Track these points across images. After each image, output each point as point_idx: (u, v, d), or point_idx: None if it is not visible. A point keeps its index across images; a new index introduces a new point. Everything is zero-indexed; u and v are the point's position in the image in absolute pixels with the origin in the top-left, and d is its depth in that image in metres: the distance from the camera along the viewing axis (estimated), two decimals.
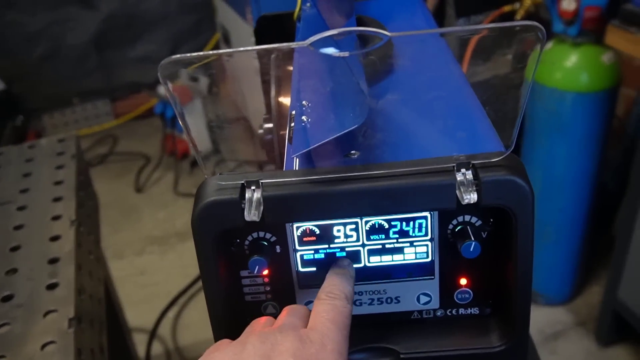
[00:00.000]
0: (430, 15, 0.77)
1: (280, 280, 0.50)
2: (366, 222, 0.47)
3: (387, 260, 0.49)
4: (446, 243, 0.48)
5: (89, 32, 2.96)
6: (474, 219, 0.46)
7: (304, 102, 0.50)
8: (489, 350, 0.49)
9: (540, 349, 1.65)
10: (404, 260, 0.49)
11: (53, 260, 0.80)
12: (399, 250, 0.48)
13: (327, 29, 0.40)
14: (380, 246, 0.48)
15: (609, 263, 1.57)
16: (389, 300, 0.51)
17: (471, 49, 0.58)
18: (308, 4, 0.68)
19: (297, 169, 0.47)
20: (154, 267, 2.18)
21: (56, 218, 0.89)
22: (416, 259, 0.49)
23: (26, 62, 2.91)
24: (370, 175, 0.43)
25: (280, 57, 0.62)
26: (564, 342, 1.70)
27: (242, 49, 0.41)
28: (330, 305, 0.43)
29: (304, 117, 0.48)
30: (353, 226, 0.47)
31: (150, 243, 2.31)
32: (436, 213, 0.46)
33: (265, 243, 0.48)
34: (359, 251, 0.48)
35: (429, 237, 0.47)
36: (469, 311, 0.51)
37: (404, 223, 0.47)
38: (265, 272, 0.49)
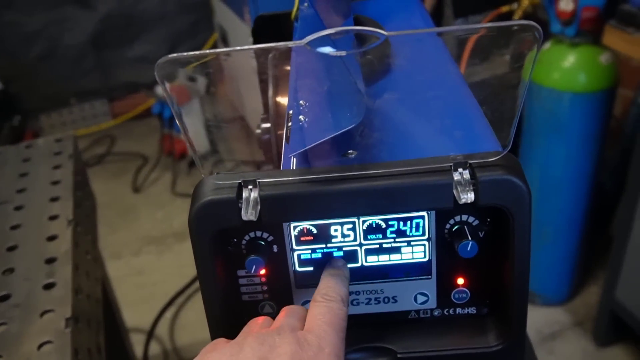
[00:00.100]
0: (428, 16, 0.77)
1: (278, 279, 0.50)
2: (363, 222, 0.47)
3: (384, 259, 0.49)
4: (443, 243, 0.48)
5: (87, 32, 2.95)
6: (471, 219, 0.46)
7: (301, 102, 0.50)
8: (486, 350, 0.49)
9: (538, 349, 1.66)
10: (401, 259, 0.49)
11: (50, 260, 0.80)
12: (396, 250, 0.48)
13: (325, 28, 0.40)
14: (377, 246, 0.48)
15: (607, 263, 1.57)
16: (386, 300, 0.51)
17: (469, 49, 0.59)
18: (305, 4, 0.68)
19: (294, 168, 0.47)
20: (152, 268, 2.17)
21: (53, 218, 0.89)
22: (413, 258, 0.49)
23: (24, 62, 2.91)
24: (367, 175, 0.43)
25: (277, 57, 0.62)
26: (562, 342, 1.70)
27: (239, 48, 0.41)
28: (327, 308, 0.43)
29: (301, 117, 0.48)
30: (350, 226, 0.47)
31: (148, 243, 2.30)
32: (433, 212, 0.46)
33: (263, 243, 0.48)
34: (356, 251, 0.48)
35: (426, 236, 0.47)
36: (466, 311, 0.51)
37: (401, 222, 0.47)
38: (263, 271, 0.49)
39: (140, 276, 2.12)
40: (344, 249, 0.48)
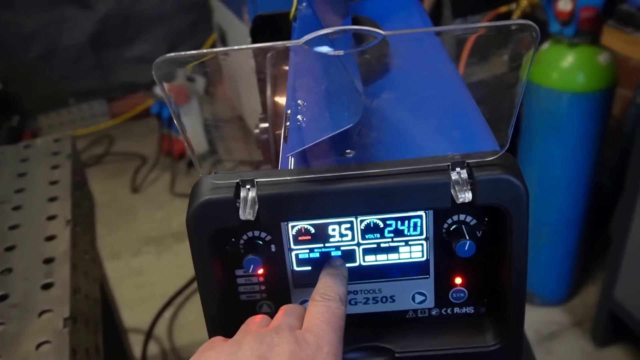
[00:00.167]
0: (426, 16, 0.77)
1: (276, 279, 0.50)
2: (361, 221, 0.47)
3: (382, 259, 0.49)
4: (441, 242, 0.48)
5: (85, 32, 2.95)
6: (468, 218, 0.46)
7: (299, 101, 0.50)
8: (484, 350, 0.49)
9: (537, 349, 1.66)
10: (399, 259, 0.49)
11: (48, 260, 0.80)
12: (394, 250, 0.48)
13: (323, 28, 0.40)
14: (375, 245, 0.48)
15: (605, 263, 1.57)
16: (384, 299, 0.51)
17: (468, 49, 0.59)
18: (304, 4, 0.68)
19: (292, 168, 0.47)
20: (150, 268, 2.17)
21: (51, 218, 0.89)
22: (411, 258, 0.49)
23: (22, 62, 2.91)
24: (365, 175, 0.43)
25: (275, 56, 0.62)
26: (560, 343, 1.70)
27: (236, 47, 0.41)
28: (325, 307, 0.43)
29: (299, 116, 0.48)
30: (348, 225, 0.47)
31: (147, 243, 2.30)
32: (431, 212, 0.46)
33: (260, 242, 0.48)
34: (354, 250, 0.48)
35: (424, 236, 0.47)
36: (463, 310, 0.51)
37: (399, 222, 0.47)
38: (260, 271, 0.49)
39: (139, 276, 2.12)
40: (342, 248, 0.48)
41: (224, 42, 2.51)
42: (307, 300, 0.50)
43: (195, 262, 0.45)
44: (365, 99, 0.51)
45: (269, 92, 0.65)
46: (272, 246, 0.48)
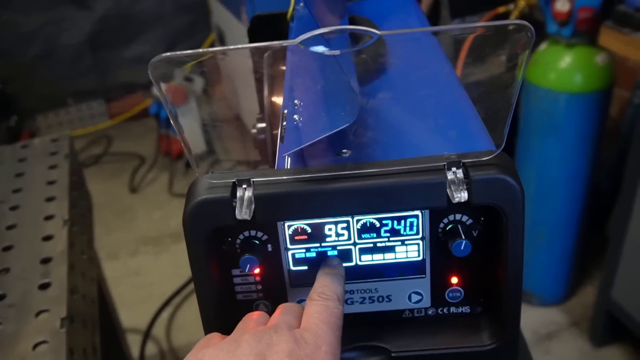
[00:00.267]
0: (423, 16, 0.77)
1: (272, 279, 0.50)
2: (357, 221, 0.47)
3: (378, 259, 0.49)
4: (437, 242, 0.48)
5: (84, 33, 2.95)
6: (464, 218, 0.46)
7: (295, 101, 0.50)
8: (480, 349, 0.49)
9: (534, 349, 1.66)
10: (396, 259, 0.49)
11: (45, 260, 0.80)
12: (391, 249, 0.48)
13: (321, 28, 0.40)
14: (371, 245, 0.48)
15: (603, 263, 1.57)
16: (380, 299, 0.51)
17: (466, 50, 0.59)
18: (301, 4, 0.68)
19: (288, 167, 0.47)
20: (148, 268, 2.17)
21: (49, 218, 0.89)
22: (407, 257, 0.49)
23: (20, 62, 2.90)
24: (361, 174, 0.43)
25: (273, 56, 0.62)
26: (558, 343, 1.70)
27: (232, 47, 0.41)
28: (323, 307, 0.43)
29: (295, 116, 0.48)
30: (344, 225, 0.47)
31: (145, 243, 2.30)
32: (427, 212, 0.46)
33: (257, 242, 0.48)
34: (350, 250, 0.48)
35: (420, 235, 0.47)
36: (460, 310, 0.51)
37: (395, 222, 0.47)
38: (257, 270, 0.49)
39: (137, 276, 2.12)
40: (338, 248, 0.48)
41: (222, 42, 2.51)
42: (303, 300, 0.50)
43: (191, 261, 0.45)
44: (361, 99, 0.51)
45: (266, 92, 0.65)
46: (269, 246, 0.48)
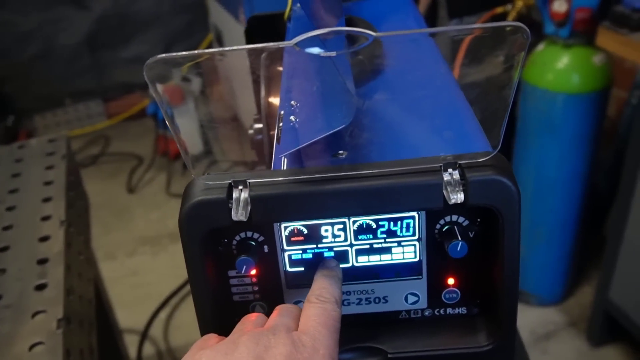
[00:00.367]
0: (420, 17, 0.77)
1: (268, 280, 0.50)
2: (354, 222, 0.47)
3: (375, 260, 0.49)
4: (434, 243, 0.48)
5: (82, 32, 2.95)
6: (461, 219, 0.46)
7: (292, 102, 0.50)
8: (477, 350, 0.49)
9: (532, 349, 1.66)
10: (392, 260, 0.49)
11: (42, 261, 0.80)
12: (387, 250, 0.48)
13: (316, 29, 0.40)
14: (368, 246, 0.48)
15: (601, 264, 1.58)
16: (377, 300, 0.51)
17: (463, 52, 0.59)
18: (298, 5, 0.68)
19: (285, 169, 0.47)
20: (146, 268, 2.17)
21: (46, 218, 0.89)
22: (404, 258, 0.49)
23: (18, 62, 2.90)
24: (357, 175, 0.43)
25: (270, 57, 0.62)
26: (556, 343, 1.71)
27: (228, 48, 0.41)
28: (321, 309, 0.43)
29: (292, 117, 0.48)
30: (341, 226, 0.47)
31: (142, 244, 2.30)
32: (424, 213, 0.46)
33: (253, 243, 0.48)
34: (346, 251, 0.48)
35: (416, 237, 0.47)
36: (456, 311, 0.51)
37: (392, 223, 0.47)
38: (253, 272, 0.49)
39: (134, 277, 2.12)
40: (335, 249, 0.48)
41: (220, 43, 2.51)
42: (300, 301, 0.50)
43: (187, 262, 0.45)
44: (358, 100, 0.51)
45: (263, 92, 0.65)
46: (265, 247, 0.48)
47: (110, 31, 2.98)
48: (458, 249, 0.45)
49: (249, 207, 0.43)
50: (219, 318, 0.48)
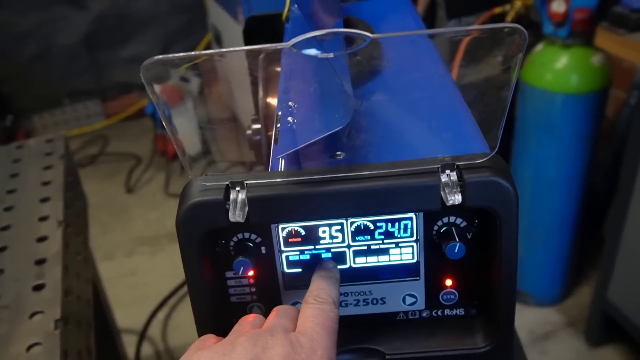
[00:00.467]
0: (419, 17, 0.77)
1: (266, 281, 0.50)
2: (351, 223, 0.47)
3: (372, 261, 0.49)
4: (431, 244, 0.48)
5: (80, 32, 2.94)
6: (458, 220, 0.46)
7: (290, 103, 0.50)
8: (474, 351, 0.49)
9: (531, 349, 1.66)
10: (390, 261, 0.49)
11: (40, 261, 0.80)
12: (385, 252, 0.48)
13: (315, 30, 0.40)
14: (365, 247, 0.48)
15: (599, 264, 1.58)
16: (374, 301, 0.51)
17: (461, 53, 0.59)
18: (296, 5, 0.68)
19: (282, 169, 0.47)
20: (144, 268, 2.17)
21: (43, 219, 0.89)
22: (402, 260, 0.49)
23: (16, 62, 2.89)
24: (355, 177, 0.43)
25: (268, 58, 0.62)
26: (554, 343, 1.71)
27: (225, 50, 0.41)
28: (319, 310, 0.43)
29: (289, 118, 0.48)
30: (338, 227, 0.47)
31: (141, 244, 2.30)
32: (421, 214, 0.46)
33: (251, 244, 0.48)
34: (344, 252, 0.48)
35: (414, 238, 0.47)
36: (454, 312, 0.51)
37: (389, 224, 0.47)
38: (251, 273, 0.49)
39: (133, 277, 2.12)
40: (332, 250, 0.48)
41: (219, 43, 2.50)
42: (297, 302, 0.50)
43: (185, 264, 0.45)
44: (355, 101, 0.51)
45: (261, 93, 0.65)
46: (262, 248, 0.48)
47: (108, 31, 2.98)
48: (456, 250, 0.45)
49: (247, 208, 0.43)
50: (217, 319, 0.48)
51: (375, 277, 0.50)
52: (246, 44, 0.83)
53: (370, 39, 0.38)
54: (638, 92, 1.65)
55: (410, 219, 0.46)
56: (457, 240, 0.45)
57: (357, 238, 0.48)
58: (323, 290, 0.45)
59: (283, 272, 0.49)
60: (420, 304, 0.51)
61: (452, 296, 0.50)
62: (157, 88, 0.41)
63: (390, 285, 0.50)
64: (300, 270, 0.49)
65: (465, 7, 1.73)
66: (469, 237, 0.47)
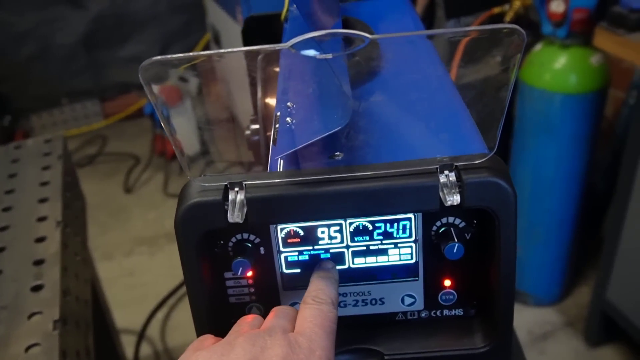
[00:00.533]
0: (417, 18, 0.77)
1: (265, 281, 0.50)
2: (350, 224, 0.47)
3: (371, 261, 0.49)
4: (430, 244, 0.48)
5: (78, 32, 2.94)
6: (457, 221, 0.46)
7: (288, 104, 0.50)
8: (473, 351, 0.49)
9: (530, 349, 1.66)
10: (388, 261, 0.49)
11: (38, 262, 0.80)
12: (383, 252, 0.48)
13: (314, 30, 0.40)
14: (364, 248, 0.48)
15: (598, 264, 1.58)
16: (373, 301, 0.51)
17: (460, 53, 0.59)
18: (294, 5, 0.68)
19: (281, 170, 0.47)
20: (143, 268, 2.17)
21: (42, 219, 0.89)
22: (400, 260, 0.49)
23: (14, 62, 2.89)
24: (353, 177, 0.43)
25: (266, 59, 0.62)
26: (553, 343, 1.71)
27: (223, 50, 0.41)
28: (318, 310, 0.43)
29: (288, 119, 0.48)
30: (337, 228, 0.47)
31: (140, 244, 2.30)
32: (420, 215, 0.46)
33: (249, 245, 0.47)
34: (343, 253, 0.48)
35: (413, 238, 0.47)
36: (453, 312, 0.51)
37: (388, 224, 0.47)
38: (249, 273, 0.49)
39: (131, 277, 2.12)
40: (331, 251, 0.48)
41: (217, 43, 2.50)
42: (296, 303, 0.50)
43: (183, 264, 0.45)
44: (354, 102, 0.51)
45: (259, 94, 0.65)
46: (261, 249, 0.48)
47: (107, 31, 2.98)
48: (454, 251, 0.45)
49: (245, 209, 0.43)
50: (215, 320, 0.48)
51: (374, 278, 0.50)
52: (245, 44, 0.83)
53: (369, 39, 0.38)
54: (637, 92, 1.65)
55: (409, 219, 0.46)
56: (456, 240, 0.45)
57: (355, 238, 0.47)
58: (322, 291, 0.45)
59: (282, 273, 0.49)
60: (419, 305, 0.51)
61: (451, 296, 0.50)
62: (155, 88, 0.41)
63: (389, 285, 0.50)
64: (299, 270, 0.49)
65: (464, 7, 1.73)
66: (468, 237, 0.47)
